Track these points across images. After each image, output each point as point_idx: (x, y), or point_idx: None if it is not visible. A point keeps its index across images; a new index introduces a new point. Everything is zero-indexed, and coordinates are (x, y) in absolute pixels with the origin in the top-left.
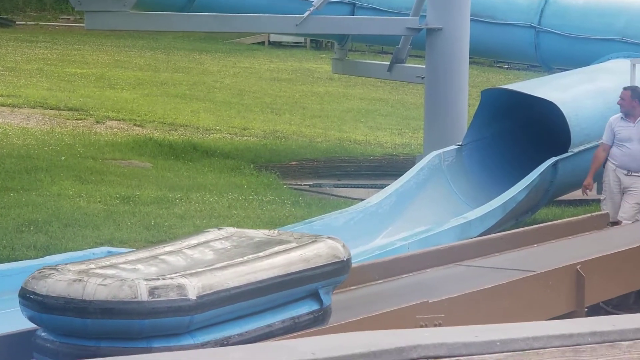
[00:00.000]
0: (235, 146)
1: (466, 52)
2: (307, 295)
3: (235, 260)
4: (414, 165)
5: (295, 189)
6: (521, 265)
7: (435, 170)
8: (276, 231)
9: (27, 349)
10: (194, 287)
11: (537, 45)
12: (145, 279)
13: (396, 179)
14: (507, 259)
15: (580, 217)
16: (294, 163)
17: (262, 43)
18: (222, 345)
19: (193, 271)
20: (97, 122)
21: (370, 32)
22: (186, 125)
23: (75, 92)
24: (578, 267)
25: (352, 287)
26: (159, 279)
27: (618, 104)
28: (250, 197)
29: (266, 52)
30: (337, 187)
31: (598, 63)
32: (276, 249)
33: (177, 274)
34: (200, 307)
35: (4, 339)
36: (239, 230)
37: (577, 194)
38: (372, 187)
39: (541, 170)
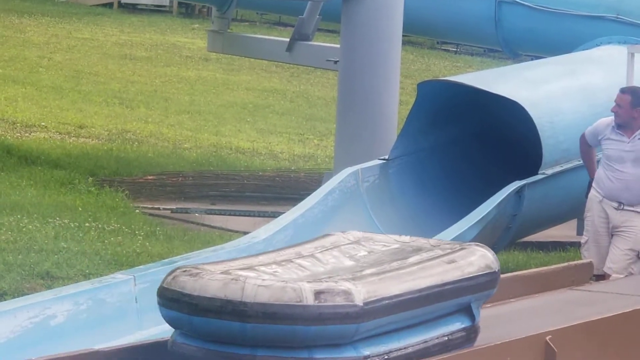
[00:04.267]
0: (68, 151)
1: (398, 27)
2: (459, 310)
3: (390, 266)
4: (320, 185)
5: (150, 214)
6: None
7: (350, 194)
8: (408, 237)
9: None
10: (359, 293)
11: (497, 21)
12: (308, 282)
13: (294, 205)
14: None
15: (553, 267)
16: (150, 178)
17: (110, 5)
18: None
19: (355, 275)
20: None
21: None
22: None
23: None
24: (547, 337)
25: None
26: (322, 282)
27: (612, 111)
28: (87, 224)
29: (115, 18)
30: (211, 213)
31: (583, 50)
32: (425, 255)
33: (339, 278)
34: (366, 314)
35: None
36: (365, 234)
37: (549, 234)
38: (259, 216)
39: (500, 199)
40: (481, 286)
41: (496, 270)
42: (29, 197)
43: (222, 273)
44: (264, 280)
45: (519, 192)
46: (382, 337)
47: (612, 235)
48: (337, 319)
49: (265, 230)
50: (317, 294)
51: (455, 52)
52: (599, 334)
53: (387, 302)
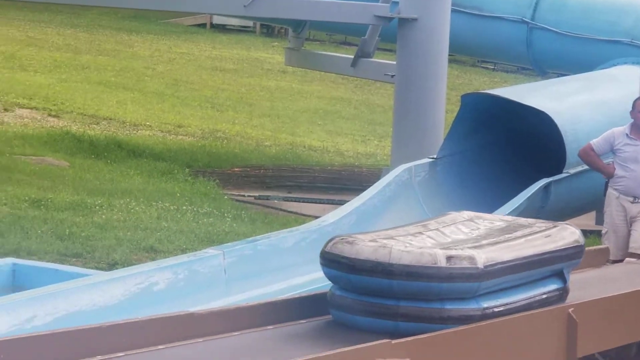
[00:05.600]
0: (168, 146)
1: (445, 48)
2: (554, 274)
3: (501, 238)
4: (379, 179)
5: (237, 200)
6: None
7: (404, 187)
8: (511, 217)
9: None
10: (481, 258)
11: (529, 44)
12: (441, 249)
13: (357, 195)
14: None
15: None
16: (236, 170)
17: (204, 25)
18: (498, 312)
19: (475, 244)
20: (5, 110)
21: (331, 18)
22: (110, 119)
23: None
24: (570, 310)
25: None
26: (451, 249)
27: (632, 117)
28: (184, 207)
29: (208, 37)
30: (287, 200)
31: (601, 69)
32: (526, 231)
33: (464, 246)
34: (485, 275)
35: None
36: (476, 213)
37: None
38: (328, 203)
39: (529, 194)
40: (571, 256)
41: (582, 244)
42: (136, 184)
43: (371, 241)
44: (406, 247)
45: (546, 187)
46: (497, 294)
47: (631, 223)
48: (464, 278)
49: (333, 215)
50: (448, 258)
51: (493, 70)
52: (614, 308)
53: (501, 266)
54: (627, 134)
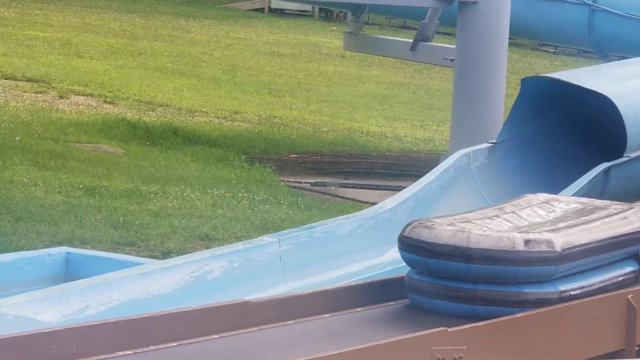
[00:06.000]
0: (224, 132)
1: (505, 31)
2: (630, 257)
3: (577, 221)
4: (437, 164)
5: (293, 187)
6: None
7: (463, 172)
8: (586, 199)
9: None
10: (558, 241)
11: (591, 27)
12: (519, 232)
13: (415, 181)
14: None
15: None
16: (293, 156)
17: (262, 10)
18: (575, 295)
19: (552, 227)
20: (60, 97)
21: (390, 2)
22: (166, 105)
23: (36, 60)
24: (629, 296)
25: None
26: (529, 232)
27: None
28: (240, 194)
29: (265, 21)
30: (344, 187)
31: None
32: (602, 213)
33: (542, 229)
34: (563, 259)
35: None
36: (552, 195)
37: None
38: (385, 189)
39: (590, 178)
40: None
41: None
42: (191, 171)
43: (449, 225)
44: (485, 230)
45: (606, 172)
46: (574, 277)
47: None
48: (541, 261)
49: (391, 202)
50: (527, 241)
51: (554, 53)
52: None
53: (578, 249)
54: None
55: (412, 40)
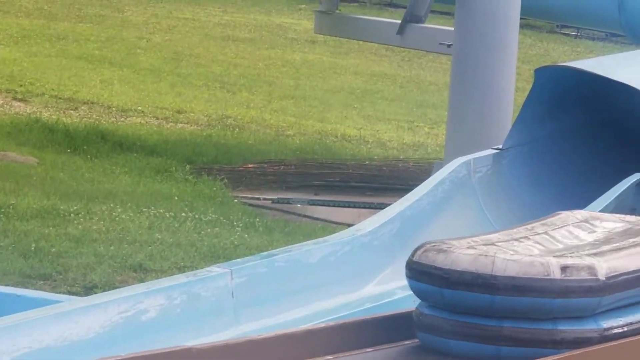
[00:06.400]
0: (164, 137)
1: (517, 10)
2: None
3: (624, 243)
4: (430, 175)
5: (250, 204)
6: None
7: (461, 186)
8: (634, 217)
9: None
10: (602, 268)
11: (621, 4)
12: (554, 257)
13: (402, 196)
14: None
15: None
16: (250, 166)
17: None
18: (621, 333)
19: (594, 251)
20: None
21: None
22: (92, 103)
23: None
24: None
25: None
26: (566, 257)
27: None
28: (183, 214)
29: None
30: (313, 204)
31: None
32: None
33: (582, 253)
34: (607, 289)
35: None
36: (592, 213)
37: None
38: (365, 207)
39: (620, 191)
40: None
41: None
42: (122, 185)
43: (468, 248)
44: (512, 255)
45: (639, 184)
46: (620, 311)
47: None
48: (581, 292)
49: (371, 223)
50: (564, 268)
51: (576, 37)
52: None
53: (626, 277)
54: None
55: (399, 22)
